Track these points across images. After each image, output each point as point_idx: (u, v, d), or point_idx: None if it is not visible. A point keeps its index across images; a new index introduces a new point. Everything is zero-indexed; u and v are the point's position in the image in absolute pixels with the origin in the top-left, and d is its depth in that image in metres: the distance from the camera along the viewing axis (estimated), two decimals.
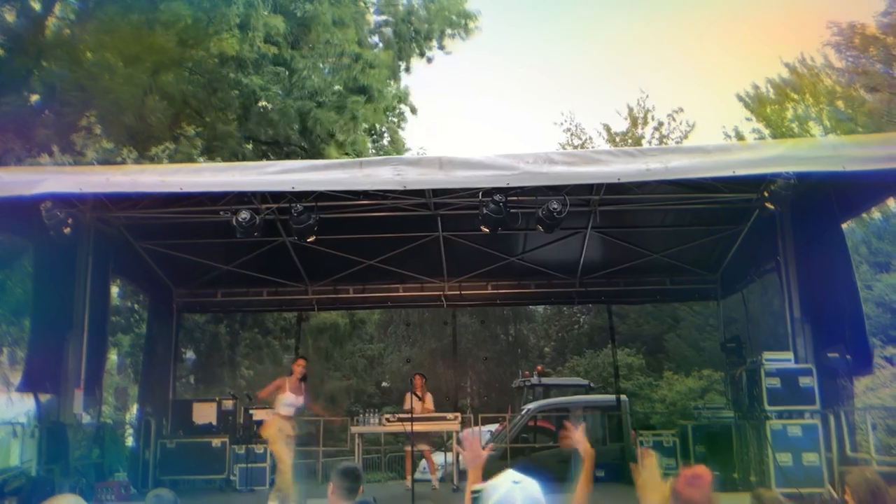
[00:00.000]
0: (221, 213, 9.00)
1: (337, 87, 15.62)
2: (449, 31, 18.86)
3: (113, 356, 20.16)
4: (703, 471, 3.31)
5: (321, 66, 15.73)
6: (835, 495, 8.26)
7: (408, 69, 19.48)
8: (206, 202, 9.13)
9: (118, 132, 12.07)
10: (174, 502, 4.43)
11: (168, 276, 13.00)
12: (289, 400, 9.27)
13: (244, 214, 8.53)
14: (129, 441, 12.96)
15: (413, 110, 20.54)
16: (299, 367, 9.56)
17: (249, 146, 15.53)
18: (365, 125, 17.10)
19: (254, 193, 8.80)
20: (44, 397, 10.10)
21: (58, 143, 10.88)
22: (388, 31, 18.71)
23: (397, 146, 20.09)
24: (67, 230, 8.41)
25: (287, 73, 14.73)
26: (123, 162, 10.64)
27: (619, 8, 57.29)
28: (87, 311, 9.82)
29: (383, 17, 19.03)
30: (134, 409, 14.69)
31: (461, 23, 18.81)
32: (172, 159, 11.54)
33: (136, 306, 18.60)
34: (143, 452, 11.63)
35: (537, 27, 58.87)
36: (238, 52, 13.13)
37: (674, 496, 3.25)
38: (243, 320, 20.15)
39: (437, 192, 9.36)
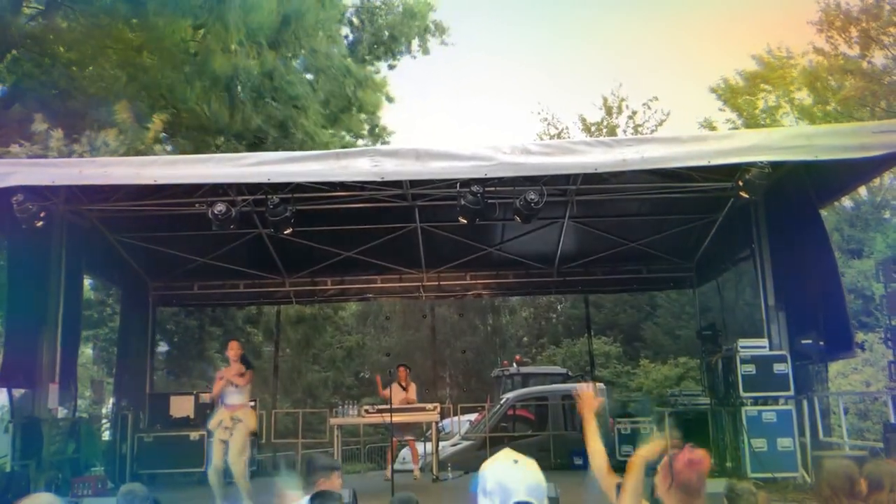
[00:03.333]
0: (197, 205, 8.92)
1: (323, 97, 15.54)
2: (417, 41, 18.97)
3: (88, 350, 19.97)
4: (703, 454, 3.35)
5: (307, 75, 15.70)
6: (808, 479, 8.41)
7: (392, 66, 19.53)
8: (181, 194, 9.06)
9: (89, 125, 11.90)
10: (147, 498, 4.36)
11: (143, 269, 12.87)
12: (230, 389, 8.53)
13: (220, 207, 8.45)
14: (106, 435, 12.84)
15: (390, 99, 20.46)
16: (231, 351, 8.68)
17: (220, 141, 15.35)
18: (351, 133, 17.18)
19: (229, 185, 8.73)
20: (18, 392, 9.98)
21: (25, 136, 10.70)
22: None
23: (380, 132, 19.97)
24: (40, 223, 8.30)
25: (269, 79, 14.56)
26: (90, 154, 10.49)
27: (598, 3, 57.33)
28: (62, 305, 9.73)
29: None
30: (110, 402, 14.54)
31: (431, 30, 18.91)
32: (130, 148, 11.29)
33: (109, 300, 18.42)
34: (120, 446, 11.52)
35: (518, 23, 58.82)
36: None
37: (670, 473, 3.28)
38: (213, 315, 20.00)
39: (414, 184, 9.35)
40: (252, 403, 9.10)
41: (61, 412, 9.90)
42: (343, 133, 17.35)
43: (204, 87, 13.57)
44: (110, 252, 11.80)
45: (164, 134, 11.65)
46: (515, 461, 2.09)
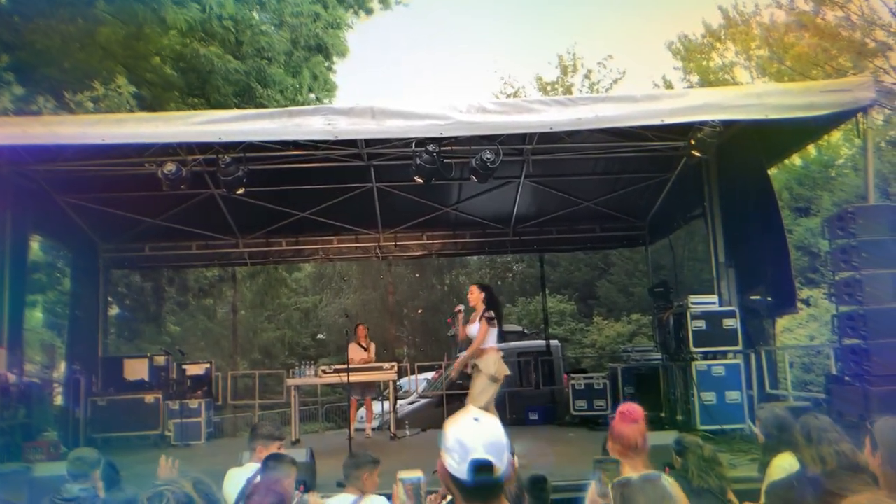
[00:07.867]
0: (147, 165, 8.72)
1: (288, 47, 14.99)
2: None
3: (38, 314, 19.55)
4: (634, 407, 3.43)
5: (274, 24, 15.15)
6: (755, 430, 8.69)
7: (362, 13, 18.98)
8: (130, 154, 8.83)
9: (37, 80, 11.46)
10: (97, 462, 4.28)
11: (93, 231, 12.59)
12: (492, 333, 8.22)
13: (170, 167, 8.28)
14: (59, 399, 12.67)
15: (342, 53, 19.99)
16: (474, 295, 8.40)
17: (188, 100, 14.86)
18: (317, 83, 16.60)
19: (179, 145, 8.54)
20: None
21: None
22: None
23: (329, 87, 19.51)
24: None
25: (235, 29, 14.00)
26: (39, 112, 10.15)
27: None
28: (8, 269, 9.48)
29: None
30: (62, 367, 14.31)
31: None
32: (98, 107, 10.96)
33: (59, 262, 18.00)
34: (73, 410, 11.40)
35: None
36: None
37: (609, 432, 3.38)
38: (169, 277, 19.71)
39: (369, 143, 9.25)
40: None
41: (11, 377, 9.70)
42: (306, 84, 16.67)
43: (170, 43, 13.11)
44: (58, 214, 11.48)
45: (133, 90, 11.19)
46: (476, 419, 2.11)
